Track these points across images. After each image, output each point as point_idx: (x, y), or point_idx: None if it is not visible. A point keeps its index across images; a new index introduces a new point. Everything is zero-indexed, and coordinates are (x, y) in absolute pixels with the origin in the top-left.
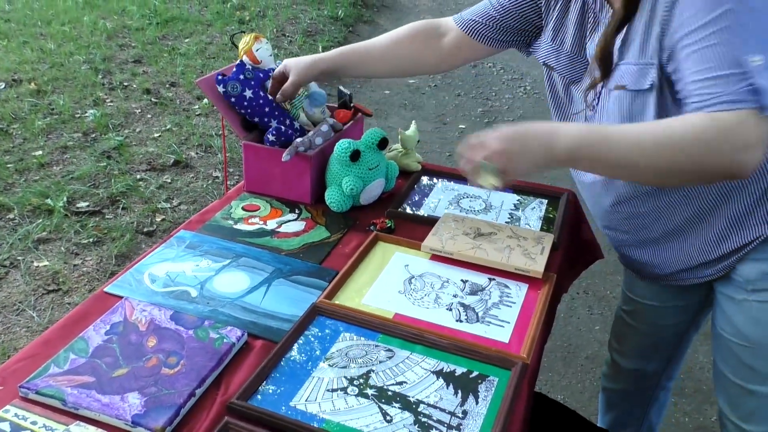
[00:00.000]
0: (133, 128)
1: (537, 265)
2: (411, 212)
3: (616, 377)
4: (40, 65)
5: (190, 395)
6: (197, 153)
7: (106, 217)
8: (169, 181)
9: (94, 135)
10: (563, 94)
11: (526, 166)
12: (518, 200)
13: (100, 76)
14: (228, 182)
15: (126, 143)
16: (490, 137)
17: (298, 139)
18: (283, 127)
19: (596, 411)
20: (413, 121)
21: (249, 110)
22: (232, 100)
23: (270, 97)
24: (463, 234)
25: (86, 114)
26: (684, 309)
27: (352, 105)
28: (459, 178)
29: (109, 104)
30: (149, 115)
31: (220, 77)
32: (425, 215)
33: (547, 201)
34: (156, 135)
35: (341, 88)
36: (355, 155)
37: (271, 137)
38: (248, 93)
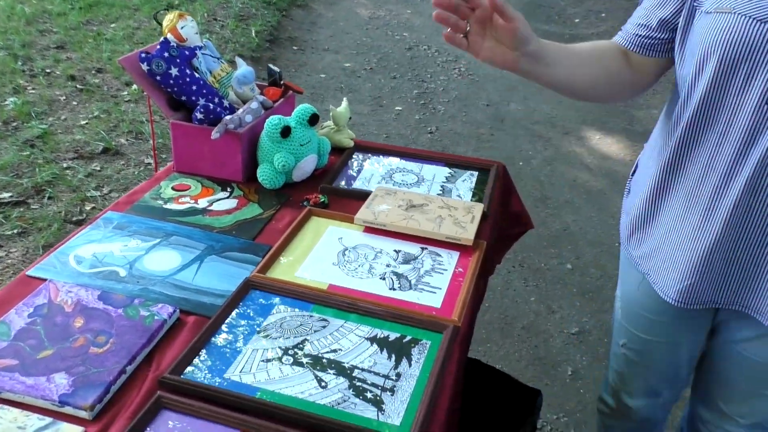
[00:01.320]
0: (58, 116)
1: (467, 233)
2: (344, 187)
3: (621, 414)
4: None
5: (120, 373)
6: (127, 140)
7: (32, 207)
8: (99, 169)
9: (15, 123)
10: (727, 82)
11: None
12: (449, 173)
13: (20, 63)
14: (159, 167)
15: (51, 131)
16: None
17: (228, 117)
18: (211, 105)
19: (532, 378)
20: (345, 98)
21: (175, 88)
22: (158, 78)
23: (197, 76)
24: (395, 206)
25: (5, 102)
26: (697, 333)
27: (282, 83)
28: (391, 153)
29: (30, 92)
30: (75, 102)
31: (143, 55)
32: (358, 190)
33: (477, 173)
34: (83, 122)
35: (271, 66)
36: (285, 131)
37: (199, 115)
38: (174, 71)
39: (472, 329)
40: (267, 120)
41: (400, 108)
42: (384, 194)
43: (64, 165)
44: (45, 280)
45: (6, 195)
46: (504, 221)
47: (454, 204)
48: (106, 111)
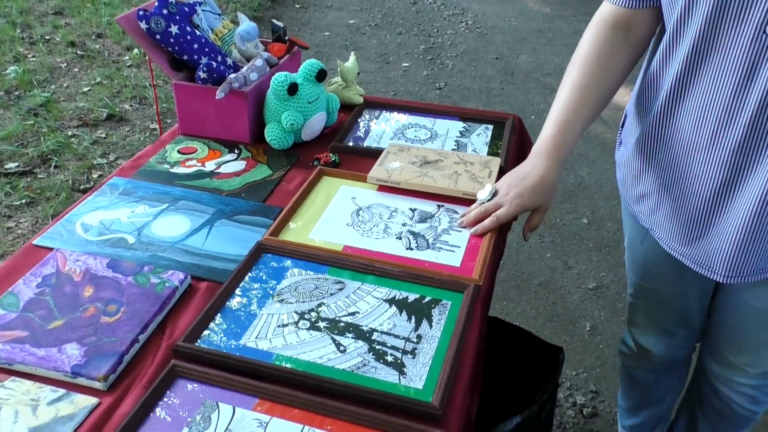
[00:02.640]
0: (60, 83)
1: (485, 187)
2: (355, 145)
3: (641, 357)
4: None
5: (133, 342)
6: (131, 105)
7: (39, 176)
8: (104, 136)
9: (17, 93)
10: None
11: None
12: (464, 127)
13: (19, 30)
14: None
15: (53, 99)
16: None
17: (232, 75)
18: (214, 63)
19: (550, 335)
20: (352, 53)
21: (176, 47)
22: (157, 37)
23: (198, 33)
24: (409, 163)
25: (6, 71)
26: (704, 284)
27: (286, 38)
28: (403, 108)
29: (31, 59)
30: (76, 69)
31: (141, 13)
32: (370, 147)
33: (492, 126)
34: (85, 89)
35: (275, 21)
36: (292, 88)
37: (202, 74)
38: (174, 29)
39: (492, 288)
40: (273, 77)
41: (407, 64)
42: (397, 151)
43: (69, 133)
44: (52, 249)
45: (12, 165)
46: None
47: (470, 159)
48: (108, 77)
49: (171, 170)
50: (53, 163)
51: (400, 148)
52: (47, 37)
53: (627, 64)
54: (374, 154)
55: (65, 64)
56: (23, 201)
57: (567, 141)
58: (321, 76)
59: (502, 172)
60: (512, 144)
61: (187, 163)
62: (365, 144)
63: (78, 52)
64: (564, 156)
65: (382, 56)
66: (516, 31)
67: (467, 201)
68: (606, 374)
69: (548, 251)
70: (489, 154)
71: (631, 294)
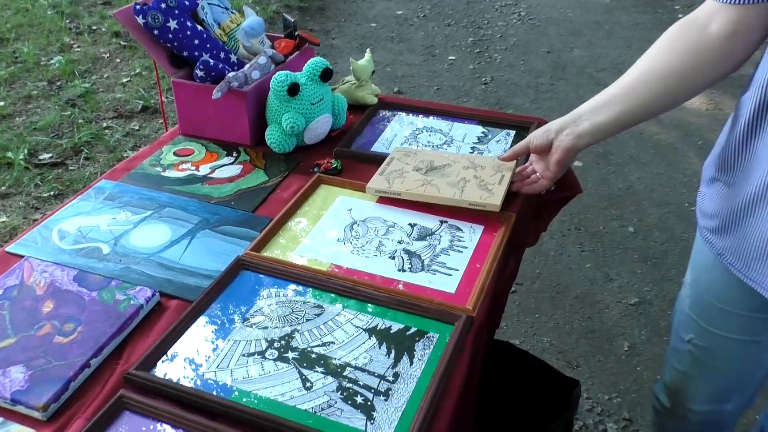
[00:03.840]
0: (101, 74)
1: (494, 197)
2: (360, 150)
3: (680, 417)
4: (3, 12)
5: (83, 366)
6: (168, 97)
7: (69, 168)
8: (137, 128)
9: (59, 83)
10: None
11: None
12: (482, 132)
13: (67, 21)
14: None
15: (92, 90)
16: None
17: (231, 74)
18: (212, 61)
19: (584, 353)
20: (368, 50)
21: (175, 43)
22: (155, 32)
23: (199, 28)
24: (413, 170)
25: (51, 61)
26: None
27: (297, 34)
28: (419, 110)
29: (76, 50)
30: (118, 60)
31: (138, 6)
32: (377, 153)
33: (514, 132)
34: (125, 80)
35: (286, 15)
36: (293, 89)
37: (199, 72)
38: (172, 24)
39: (495, 318)
40: (273, 76)
41: (453, 57)
42: (402, 156)
43: (104, 125)
44: (23, 257)
45: (46, 156)
46: None
47: (482, 162)
48: (147, 68)
49: (162, 174)
50: (84, 155)
51: (406, 153)
52: (93, 28)
53: (714, 76)
54: (380, 160)
55: (108, 55)
56: (52, 193)
57: (598, 111)
58: (326, 75)
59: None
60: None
61: (180, 167)
62: (373, 149)
63: (121, 42)
64: (584, 120)
65: (428, 48)
66: (571, 22)
67: (474, 216)
68: (642, 400)
69: (588, 261)
70: None
71: (689, 340)
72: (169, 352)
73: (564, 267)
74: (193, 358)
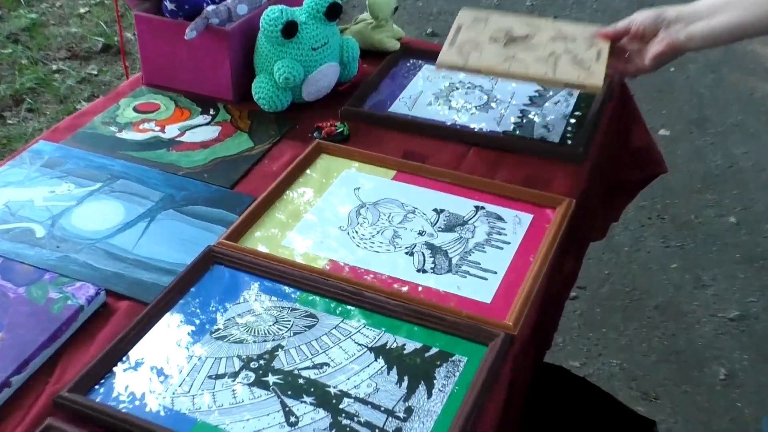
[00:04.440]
0: (52, 2)
1: (594, 77)
2: (375, 112)
3: None
4: None
5: (2, 386)
6: (134, 35)
7: (8, 122)
8: (95, 73)
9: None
10: None
11: None
12: (536, 91)
13: None
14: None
15: (40, 22)
16: None
17: (211, 7)
18: None
19: (665, 381)
20: None
21: None
22: None
23: None
24: (489, 41)
25: None
26: None
27: None
28: None
29: None
30: None
31: None
32: (397, 115)
33: (579, 91)
34: (82, 11)
35: None
36: (289, 29)
37: (170, 5)
38: None
39: (546, 335)
40: (264, 12)
41: None
42: (472, 22)
43: (53, 67)
44: None
45: None
46: (621, 162)
47: (572, 32)
48: None
49: (118, 135)
50: (27, 106)
51: (476, 18)
52: None
53: None
54: (401, 125)
55: None
56: None
57: (717, 12)
58: (333, 12)
59: (594, 127)
60: (606, 117)
61: (141, 126)
62: (392, 110)
63: None
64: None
65: None
66: None
67: (522, 201)
68: None
69: (674, 260)
70: (571, 132)
71: None
72: (115, 370)
73: (641, 267)
74: (144, 378)
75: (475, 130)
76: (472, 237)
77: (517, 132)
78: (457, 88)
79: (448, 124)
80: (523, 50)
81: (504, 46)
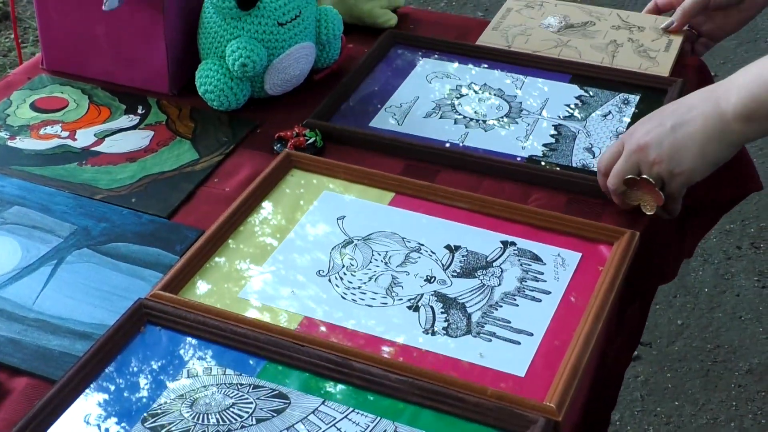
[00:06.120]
0: None
1: (660, 68)
2: (350, 129)
3: None
4: None
5: None
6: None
7: None
8: None
9: None
10: None
11: (691, 155)
12: (579, 96)
13: None
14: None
15: None
16: (623, 138)
17: None
18: None
19: None
20: None
21: None
22: None
23: None
24: (540, 26)
25: None
26: None
27: None
28: (469, 51)
29: None
30: None
31: None
32: (384, 133)
33: (639, 97)
34: None
35: None
36: None
37: None
38: None
39: (601, 415)
40: None
41: None
42: (523, 8)
43: None
44: None
45: None
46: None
47: (638, 21)
48: None
49: (10, 143)
50: None
51: (528, 3)
52: None
53: None
54: (382, 147)
55: None
56: None
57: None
58: None
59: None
60: None
61: (42, 131)
62: (373, 124)
63: None
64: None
65: None
66: None
67: (565, 235)
68: None
69: None
70: None
71: None
72: None
73: (728, 315)
74: None
75: (490, 154)
76: (499, 285)
77: (550, 157)
78: (469, 86)
79: (451, 145)
80: (579, 37)
81: (557, 33)
